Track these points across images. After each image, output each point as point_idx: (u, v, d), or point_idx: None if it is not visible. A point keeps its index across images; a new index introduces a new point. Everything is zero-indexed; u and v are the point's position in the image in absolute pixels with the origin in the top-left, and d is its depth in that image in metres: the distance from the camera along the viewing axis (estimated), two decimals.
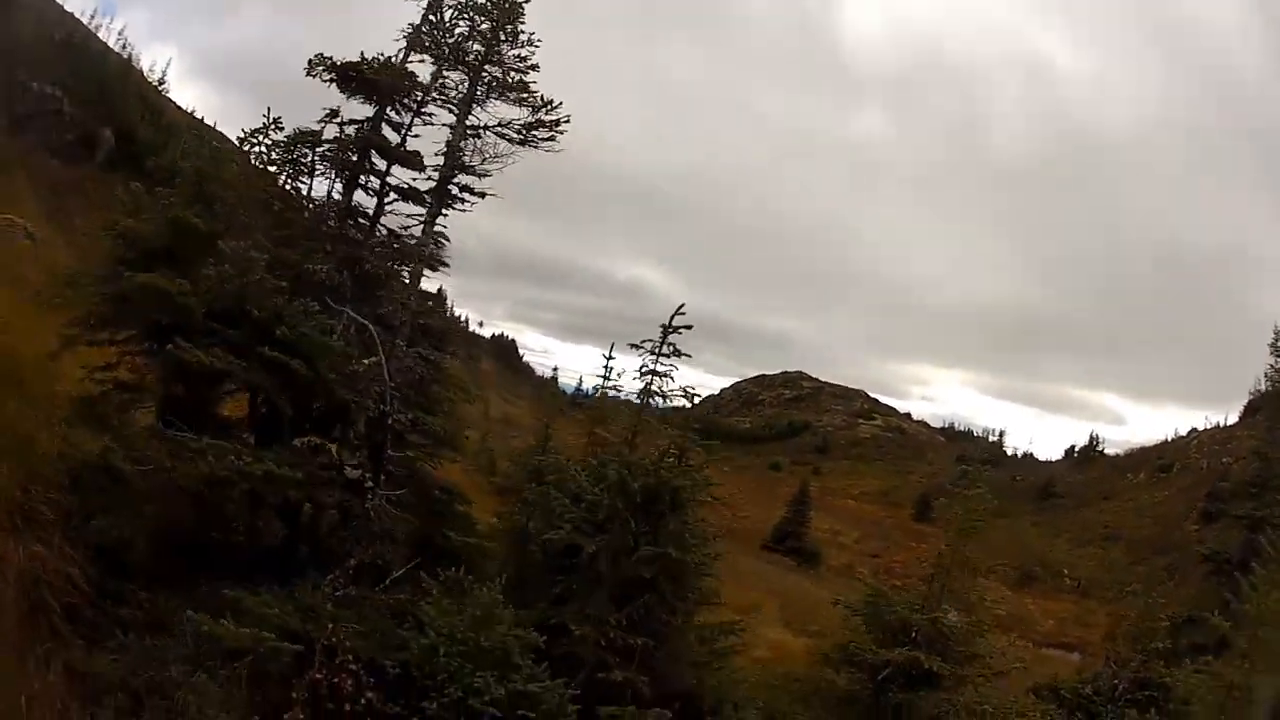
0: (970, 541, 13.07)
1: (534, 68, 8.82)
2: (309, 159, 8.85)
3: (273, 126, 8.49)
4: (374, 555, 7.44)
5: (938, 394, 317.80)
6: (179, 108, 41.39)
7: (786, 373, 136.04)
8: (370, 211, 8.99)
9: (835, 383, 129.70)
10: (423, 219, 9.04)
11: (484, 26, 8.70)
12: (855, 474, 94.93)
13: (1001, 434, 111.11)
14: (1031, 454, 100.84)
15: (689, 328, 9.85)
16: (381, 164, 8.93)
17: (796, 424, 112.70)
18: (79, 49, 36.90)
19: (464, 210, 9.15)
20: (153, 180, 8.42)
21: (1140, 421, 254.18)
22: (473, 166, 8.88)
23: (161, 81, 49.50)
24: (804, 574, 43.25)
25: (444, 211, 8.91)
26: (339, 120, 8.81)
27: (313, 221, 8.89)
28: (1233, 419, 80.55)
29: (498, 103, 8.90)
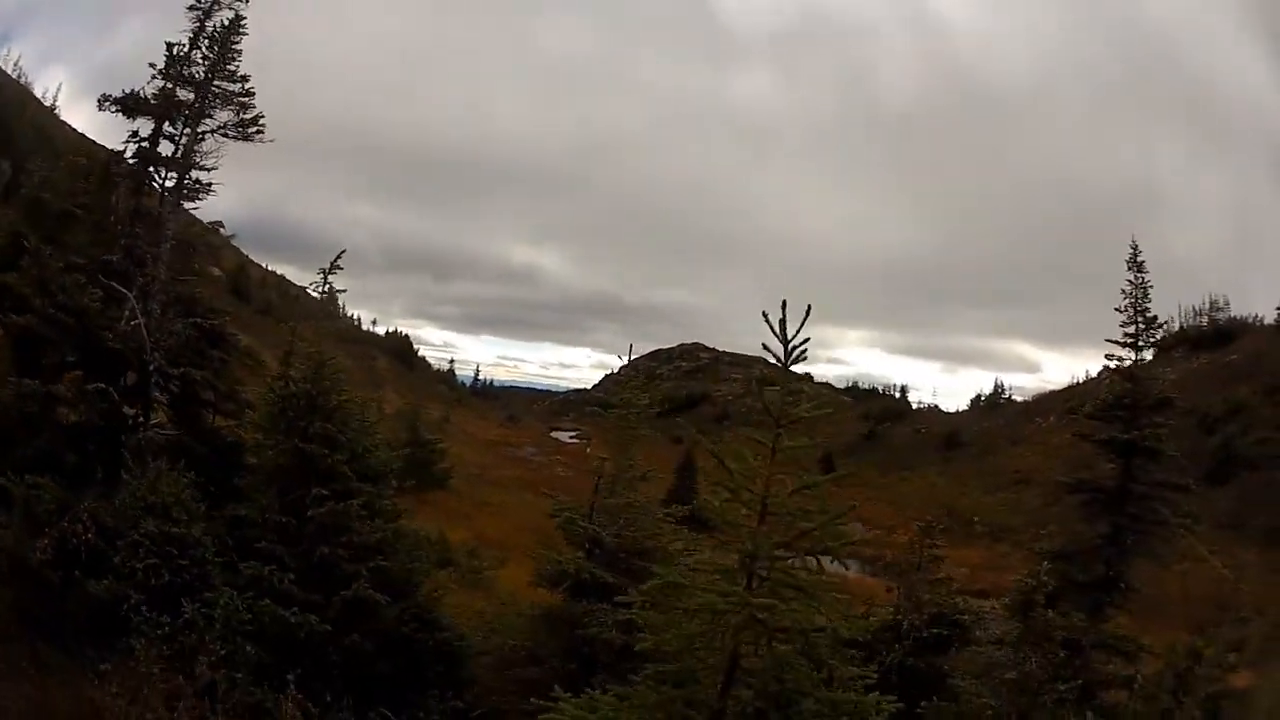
0: (628, 451, 13.57)
1: (248, 86, 11.30)
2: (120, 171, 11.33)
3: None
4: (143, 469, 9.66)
5: (844, 355, 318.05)
6: (71, 130, 42.50)
7: (683, 345, 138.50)
8: (156, 211, 11.31)
9: (734, 351, 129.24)
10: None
11: (206, 59, 11.12)
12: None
13: (904, 389, 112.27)
14: (937, 406, 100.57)
15: None
16: (162, 171, 11.34)
17: (695, 395, 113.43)
18: None
19: (198, 202, 11.60)
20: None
21: (1054, 368, 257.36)
22: (203, 164, 11.26)
23: (54, 106, 50.52)
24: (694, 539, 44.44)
25: (182, 203, 11.26)
26: (137, 139, 11.20)
27: (109, 223, 11.21)
28: (1148, 357, 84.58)
29: (224, 111, 11.29)
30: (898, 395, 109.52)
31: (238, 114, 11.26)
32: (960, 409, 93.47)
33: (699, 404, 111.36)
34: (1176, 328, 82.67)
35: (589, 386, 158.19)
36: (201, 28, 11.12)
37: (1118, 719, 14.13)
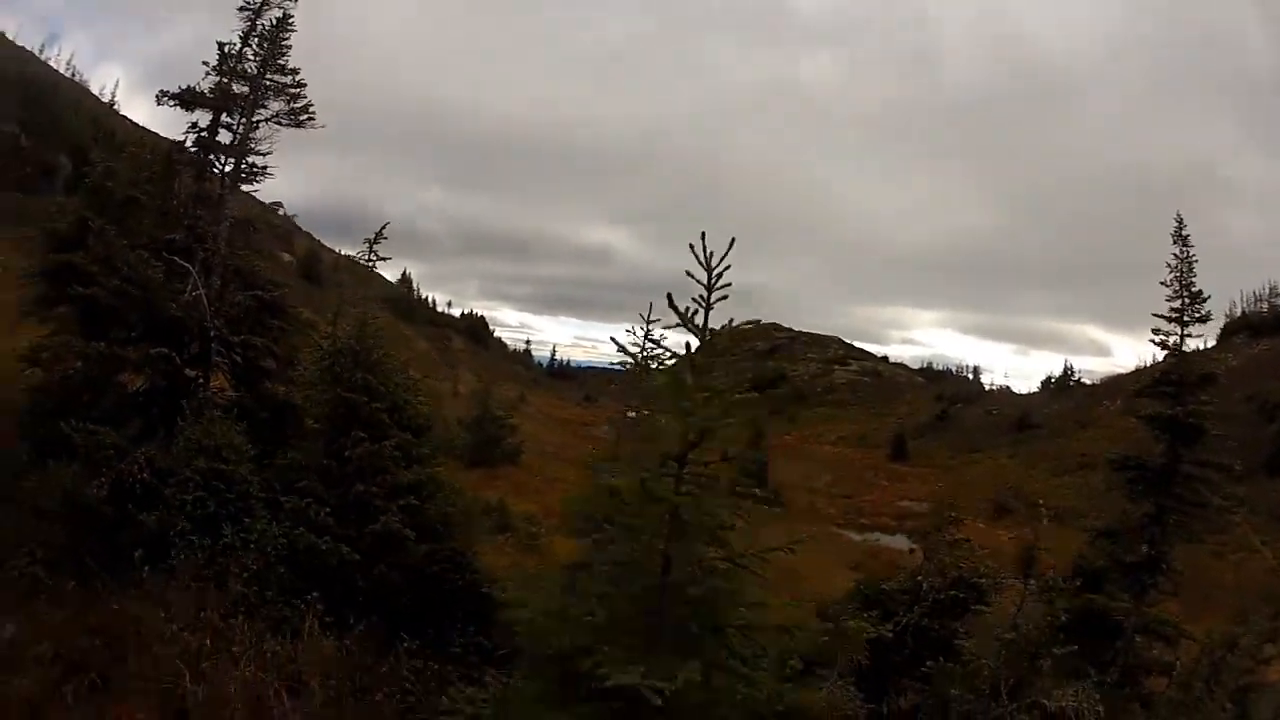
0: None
1: (299, 78, 12.31)
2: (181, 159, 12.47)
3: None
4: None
5: (918, 336, 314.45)
6: (131, 123, 43.91)
7: (759, 324, 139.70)
8: (216, 194, 12.39)
9: (809, 331, 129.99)
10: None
11: (257, 55, 12.14)
12: (832, 420, 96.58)
13: (977, 370, 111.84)
14: (1009, 388, 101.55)
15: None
16: (221, 158, 12.42)
17: (771, 375, 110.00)
18: (32, 83, 39.88)
19: (258, 186, 12.62)
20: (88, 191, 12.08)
21: (1124, 351, 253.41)
22: (259, 150, 12.30)
23: (112, 102, 52.27)
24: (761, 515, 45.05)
25: (240, 185, 12.30)
26: (197, 130, 12.30)
27: (172, 207, 12.30)
28: (1211, 343, 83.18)
29: (276, 101, 12.32)
30: (970, 377, 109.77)
31: (288, 104, 12.23)
32: (1032, 391, 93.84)
33: (776, 384, 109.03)
34: (1239, 313, 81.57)
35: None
36: (253, 26, 12.06)
37: (1151, 705, 13.86)
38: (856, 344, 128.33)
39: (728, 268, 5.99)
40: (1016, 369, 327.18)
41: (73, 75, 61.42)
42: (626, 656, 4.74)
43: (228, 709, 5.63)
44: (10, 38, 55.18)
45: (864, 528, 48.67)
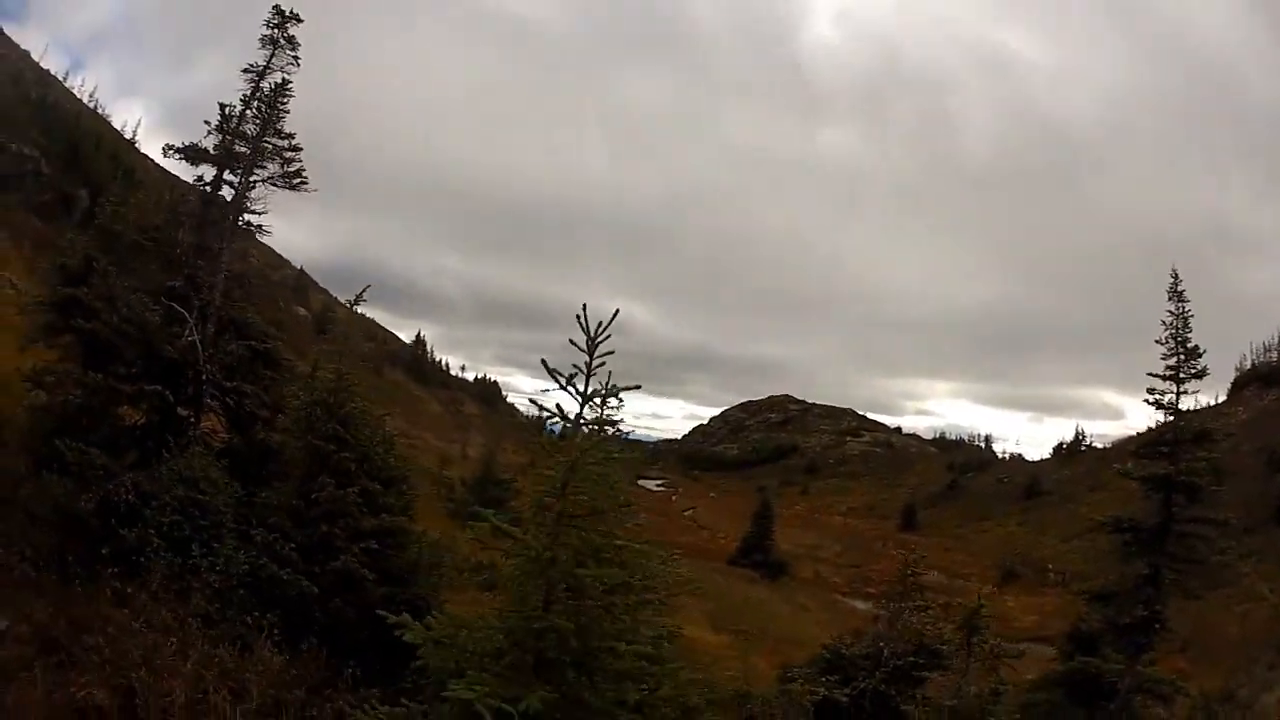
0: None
1: (294, 142, 13.08)
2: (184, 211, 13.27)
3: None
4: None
5: (932, 406, 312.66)
6: (151, 162, 44.74)
7: (773, 397, 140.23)
8: (216, 248, 13.12)
9: (822, 403, 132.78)
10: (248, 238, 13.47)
11: (256, 118, 12.92)
12: (843, 491, 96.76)
13: (988, 439, 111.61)
14: (1021, 456, 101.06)
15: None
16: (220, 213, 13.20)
17: (784, 446, 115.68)
18: (54, 109, 40.86)
19: (253, 234, 13.42)
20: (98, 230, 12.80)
21: (1137, 413, 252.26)
22: (254, 209, 13.07)
23: (133, 139, 53.23)
24: (762, 584, 45.26)
25: (235, 242, 13.05)
26: (202, 183, 13.11)
27: (175, 255, 13.04)
28: (1222, 397, 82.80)
29: (272, 163, 13.08)
30: (982, 445, 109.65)
31: (282, 167, 12.97)
32: (1043, 458, 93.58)
33: (788, 455, 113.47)
34: (1248, 365, 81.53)
35: (679, 437, 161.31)
36: (256, 88, 12.85)
37: None
38: (870, 415, 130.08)
39: (608, 336, 6.27)
40: (1030, 436, 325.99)
41: (95, 106, 62.70)
42: (491, 680, 5.25)
43: (170, 696, 6.22)
44: (35, 59, 56.29)
45: (870, 596, 48.18)
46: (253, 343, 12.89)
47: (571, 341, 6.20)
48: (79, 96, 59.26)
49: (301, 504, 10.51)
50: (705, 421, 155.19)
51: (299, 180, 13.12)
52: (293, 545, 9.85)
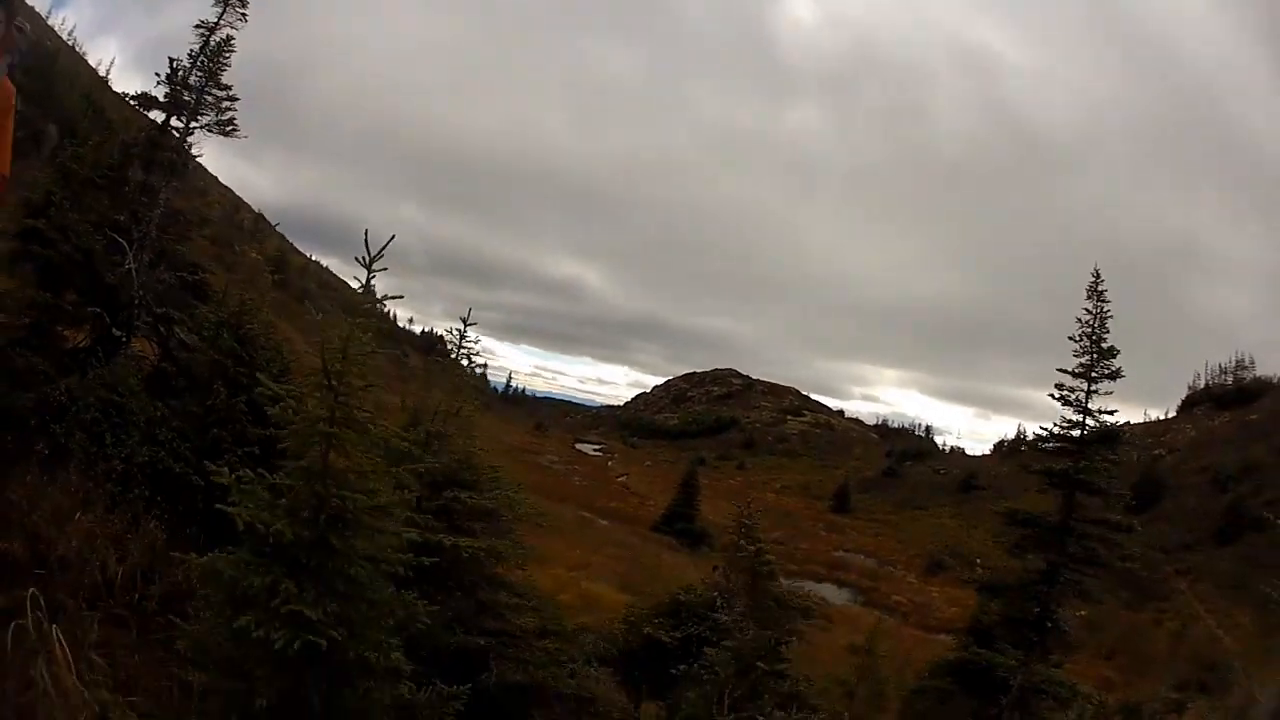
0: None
1: (231, 94, 14.42)
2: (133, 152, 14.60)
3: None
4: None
5: (879, 393, 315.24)
6: (124, 99, 45.95)
7: (717, 370, 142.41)
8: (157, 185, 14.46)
9: (766, 380, 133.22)
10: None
11: (201, 72, 14.23)
12: (780, 468, 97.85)
13: (929, 429, 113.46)
14: (962, 450, 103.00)
15: None
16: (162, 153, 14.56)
17: (724, 420, 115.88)
18: (33, 48, 41.55)
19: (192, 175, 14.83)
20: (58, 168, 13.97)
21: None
22: (192, 153, 14.51)
23: (106, 76, 53.85)
24: (681, 552, 46.25)
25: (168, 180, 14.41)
26: (151, 127, 14.45)
27: (124, 192, 14.37)
28: (1172, 413, 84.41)
29: (210, 112, 14.42)
30: (923, 435, 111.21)
31: (217, 116, 14.31)
32: (984, 453, 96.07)
33: (727, 429, 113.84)
34: (1202, 384, 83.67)
35: (621, 403, 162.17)
36: (206, 43, 14.15)
37: None
38: (814, 396, 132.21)
39: (384, 269, 7.19)
40: (976, 432, 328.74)
41: (73, 45, 63.44)
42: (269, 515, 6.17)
43: (69, 545, 7.78)
44: None
45: (792, 574, 49.29)
46: (184, 274, 14.32)
47: (357, 259, 7.17)
48: (59, 34, 59.97)
49: (200, 410, 11.78)
50: (648, 390, 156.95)
51: (231, 128, 14.44)
52: (189, 445, 11.17)
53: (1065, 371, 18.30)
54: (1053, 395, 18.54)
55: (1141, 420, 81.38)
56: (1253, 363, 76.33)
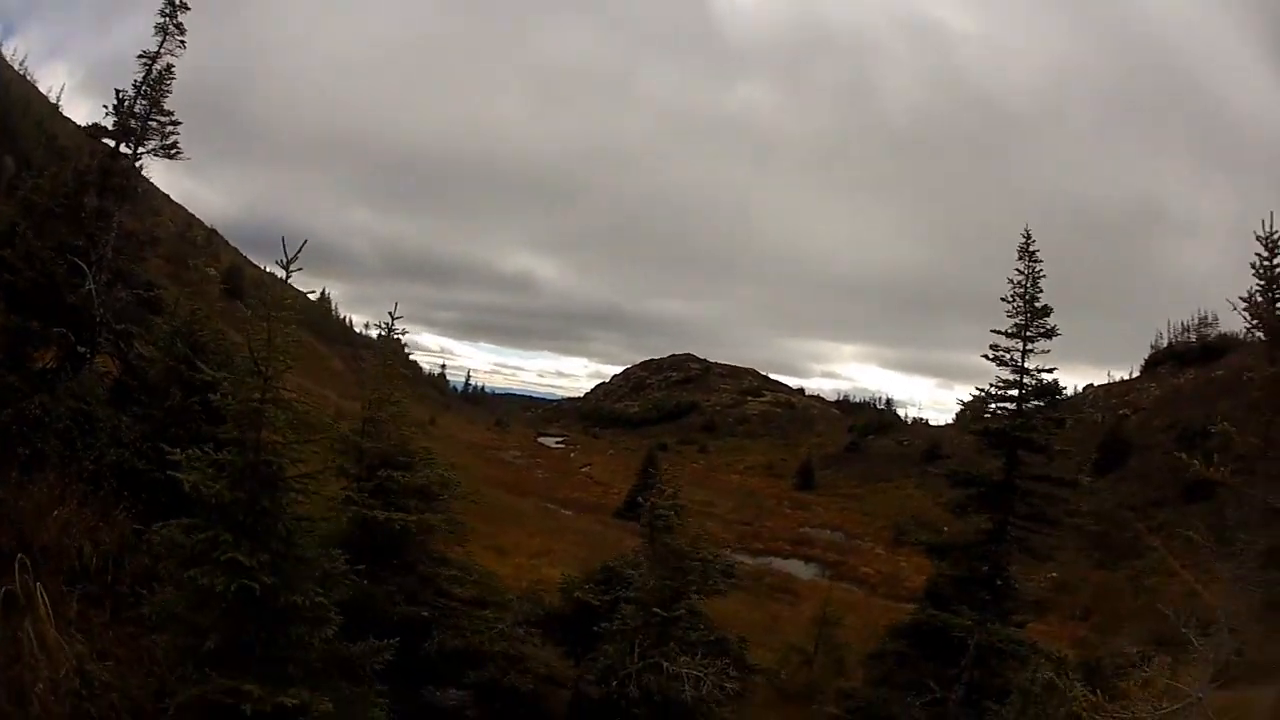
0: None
1: (174, 119, 15.43)
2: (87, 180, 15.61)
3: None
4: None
5: (839, 369, 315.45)
6: (74, 125, 46.63)
7: (674, 355, 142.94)
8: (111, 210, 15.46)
9: (724, 363, 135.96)
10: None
11: (144, 101, 15.22)
12: (742, 450, 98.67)
13: (889, 402, 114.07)
14: (925, 421, 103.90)
15: None
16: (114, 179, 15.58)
17: (684, 405, 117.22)
18: None
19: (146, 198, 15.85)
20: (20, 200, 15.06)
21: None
22: (141, 178, 15.52)
23: (58, 103, 54.34)
24: (642, 535, 46.34)
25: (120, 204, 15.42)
26: (105, 153, 15.45)
27: (80, 218, 15.37)
28: (1137, 373, 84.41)
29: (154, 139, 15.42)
30: (884, 408, 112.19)
31: (162, 140, 15.33)
32: (947, 423, 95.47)
33: (688, 413, 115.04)
34: (1165, 344, 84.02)
35: (582, 395, 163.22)
36: (149, 72, 15.07)
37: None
38: (775, 376, 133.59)
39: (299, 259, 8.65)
40: (938, 402, 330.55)
41: (24, 73, 64.02)
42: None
43: (46, 534, 8.94)
44: None
45: (758, 552, 50.64)
46: (139, 291, 15.39)
47: (277, 262, 8.68)
48: (12, 64, 60.43)
49: (160, 414, 12.79)
50: (608, 380, 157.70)
51: (175, 151, 15.47)
52: (150, 445, 12.08)
53: (999, 332, 18.57)
54: (986, 356, 18.82)
55: (1105, 382, 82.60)
56: (1216, 319, 75.81)
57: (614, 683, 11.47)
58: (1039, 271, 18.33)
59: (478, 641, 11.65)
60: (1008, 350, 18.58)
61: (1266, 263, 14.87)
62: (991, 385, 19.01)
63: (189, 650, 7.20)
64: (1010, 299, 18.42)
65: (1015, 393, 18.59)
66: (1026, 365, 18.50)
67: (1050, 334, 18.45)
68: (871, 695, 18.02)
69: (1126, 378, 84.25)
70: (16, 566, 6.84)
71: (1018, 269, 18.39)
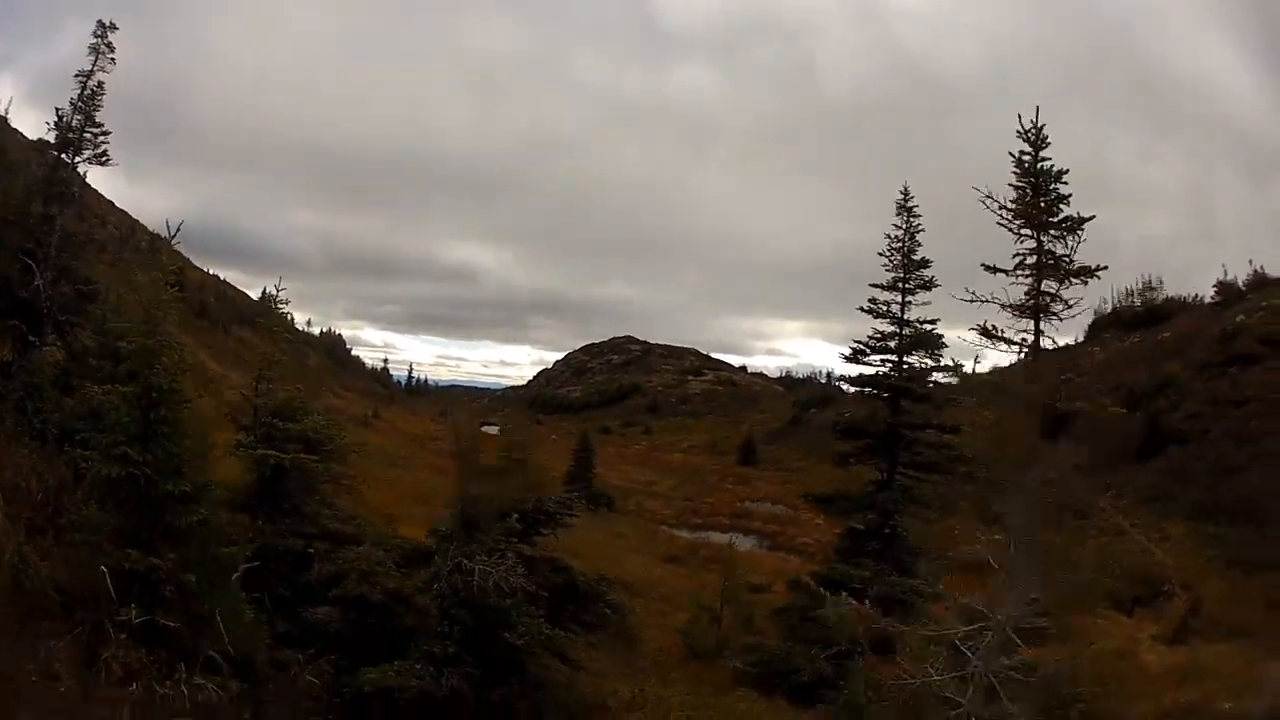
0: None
1: (105, 129, 17.16)
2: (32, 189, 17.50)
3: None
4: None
5: (783, 346, 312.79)
6: (22, 137, 47.83)
7: (614, 338, 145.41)
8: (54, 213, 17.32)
9: (664, 343, 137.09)
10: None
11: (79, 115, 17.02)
12: (685, 429, 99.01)
13: (829, 375, 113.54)
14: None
15: None
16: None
17: (626, 387, 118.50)
18: None
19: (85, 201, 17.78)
20: None
21: (994, 355, 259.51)
22: (79, 184, 17.43)
23: (5, 116, 55.50)
24: (582, 515, 46.40)
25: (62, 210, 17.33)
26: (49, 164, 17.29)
27: (29, 224, 17.21)
28: (1080, 337, 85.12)
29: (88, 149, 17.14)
30: (824, 382, 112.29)
31: (94, 150, 16.98)
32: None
33: (630, 396, 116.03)
34: (1109, 309, 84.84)
35: (525, 383, 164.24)
36: (84, 88, 16.66)
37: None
38: (717, 355, 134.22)
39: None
40: None
41: None
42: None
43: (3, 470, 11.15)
44: None
45: (697, 527, 50.95)
46: (80, 286, 17.13)
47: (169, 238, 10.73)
48: None
49: (106, 399, 14.72)
50: (549, 366, 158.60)
51: (105, 158, 17.10)
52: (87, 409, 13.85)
53: (877, 286, 19.26)
54: (862, 309, 19.50)
55: (1050, 348, 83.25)
56: (1161, 284, 75.59)
57: (435, 586, 12.79)
58: (917, 226, 19.11)
59: (346, 569, 13.35)
60: (886, 304, 19.35)
61: (1029, 157, 16.80)
62: (870, 337, 19.70)
63: (98, 546, 9.65)
64: (888, 253, 19.22)
65: (894, 344, 19.35)
66: (906, 316, 19.29)
67: (929, 285, 19.19)
68: (777, 649, 18.68)
69: (1071, 343, 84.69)
70: None
71: (895, 224, 19.21)
